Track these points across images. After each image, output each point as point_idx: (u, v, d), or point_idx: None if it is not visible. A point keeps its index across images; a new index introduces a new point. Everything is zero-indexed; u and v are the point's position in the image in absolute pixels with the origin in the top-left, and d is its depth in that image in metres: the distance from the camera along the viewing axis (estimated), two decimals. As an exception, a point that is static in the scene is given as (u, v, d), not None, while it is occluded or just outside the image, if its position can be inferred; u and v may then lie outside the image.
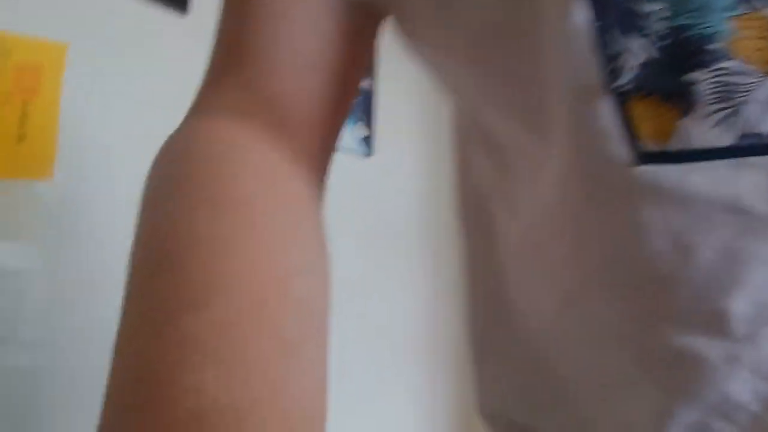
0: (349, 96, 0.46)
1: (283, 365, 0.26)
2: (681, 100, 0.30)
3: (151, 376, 0.27)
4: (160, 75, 1.68)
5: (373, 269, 2.25)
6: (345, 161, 2.20)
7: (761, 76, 0.29)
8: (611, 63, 0.31)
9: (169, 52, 1.70)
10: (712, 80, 0.29)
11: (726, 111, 0.29)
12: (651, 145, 0.31)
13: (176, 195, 0.35)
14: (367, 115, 2.20)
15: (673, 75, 0.30)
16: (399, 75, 2.41)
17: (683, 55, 0.30)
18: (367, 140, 2.20)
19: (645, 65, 0.31)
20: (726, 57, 0.29)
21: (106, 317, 1.53)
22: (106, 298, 1.56)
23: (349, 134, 2.13)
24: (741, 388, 0.33)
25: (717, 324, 0.33)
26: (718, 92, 0.29)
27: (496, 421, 0.52)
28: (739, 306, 0.32)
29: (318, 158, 0.45)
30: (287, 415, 0.24)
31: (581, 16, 0.31)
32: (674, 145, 0.30)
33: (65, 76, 1.53)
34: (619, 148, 0.32)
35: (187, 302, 0.28)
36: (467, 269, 0.53)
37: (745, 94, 0.29)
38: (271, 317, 0.28)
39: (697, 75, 0.30)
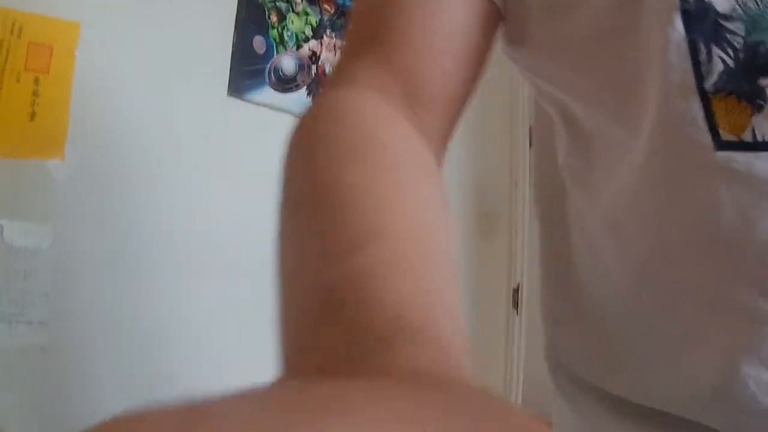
0: (473, 84, 0.51)
1: (443, 300, 0.30)
2: (753, 100, 0.38)
3: (338, 297, 0.29)
4: (172, 54, 1.67)
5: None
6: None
7: None
8: (700, 68, 0.39)
9: (181, 32, 1.69)
10: None
11: None
12: (728, 135, 0.39)
13: (334, 154, 0.39)
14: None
15: (747, 80, 0.38)
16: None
17: (756, 64, 0.38)
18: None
19: (726, 71, 0.39)
20: None
21: (114, 296, 1.53)
22: (114, 278, 1.57)
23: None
24: None
25: None
26: None
27: (565, 379, 0.59)
28: None
29: (441, 135, 0.50)
30: (455, 347, 0.27)
31: (678, 30, 0.40)
32: (746, 136, 0.38)
33: (77, 55, 1.53)
34: (703, 136, 0.40)
35: (357, 241, 0.31)
36: (541, 248, 0.61)
37: None
38: (430, 259, 0.32)
39: (767, 81, 0.38)
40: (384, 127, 0.42)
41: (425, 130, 0.46)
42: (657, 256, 0.46)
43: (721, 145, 0.39)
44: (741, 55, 0.38)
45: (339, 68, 0.52)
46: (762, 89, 0.38)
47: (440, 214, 0.38)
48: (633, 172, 0.45)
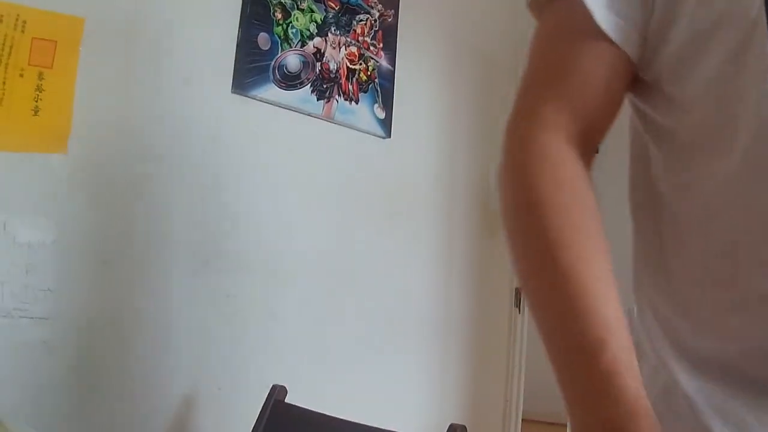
0: (609, 128, 0.71)
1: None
2: None
3: (608, 384, 0.55)
4: (176, 50, 1.67)
5: (387, 248, 2.25)
6: (366, 142, 2.19)
7: None
8: None
9: (185, 28, 1.69)
10: None
11: None
12: None
13: (569, 235, 0.62)
14: (386, 101, 2.18)
15: None
16: (417, 65, 2.39)
17: None
18: (385, 123, 2.19)
19: None
20: None
21: (116, 292, 1.53)
22: (117, 273, 1.57)
23: (371, 117, 2.12)
24: None
25: None
26: None
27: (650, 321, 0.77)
28: None
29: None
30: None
31: None
32: None
33: (81, 50, 1.52)
34: None
35: (602, 336, 0.57)
36: (635, 238, 0.78)
37: None
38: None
39: None
40: (590, 200, 0.64)
41: (589, 164, 0.68)
42: (739, 236, 0.64)
43: None
44: None
45: (530, 109, 0.69)
46: None
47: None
48: (727, 176, 0.64)
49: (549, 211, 0.63)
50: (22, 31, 1.43)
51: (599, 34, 0.66)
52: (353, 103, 2.10)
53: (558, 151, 0.66)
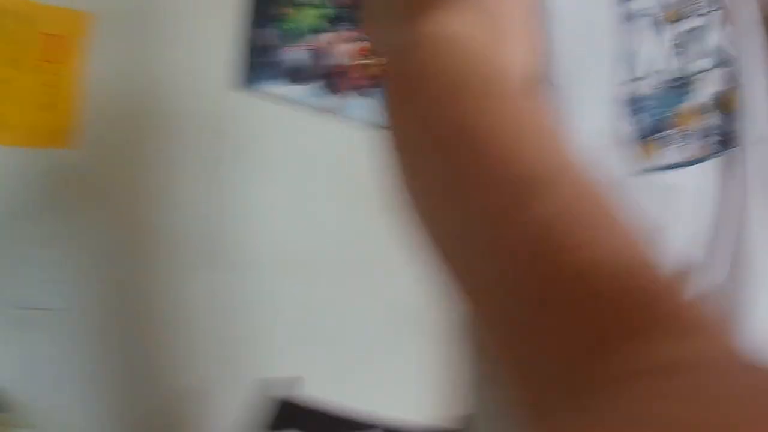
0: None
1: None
2: (658, 144, 0.76)
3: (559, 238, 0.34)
4: (184, 45, 1.67)
5: (395, 242, 2.23)
6: (377, 137, 2.17)
7: (680, 139, 0.76)
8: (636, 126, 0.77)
9: (193, 23, 1.69)
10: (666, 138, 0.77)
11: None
12: (644, 163, 0.76)
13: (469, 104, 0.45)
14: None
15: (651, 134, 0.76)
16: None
17: (656, 126, 0.76)
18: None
19: (642, 129, 0.75)
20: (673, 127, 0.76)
21: (124, 287, 1.53)
22: (124, 269, 1.57)
23: (370, 107, 2.11)
24: None
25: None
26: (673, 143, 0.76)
27: None
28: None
29: None
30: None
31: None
32: (649, 164, 0.76)
33: (90, 46, 1.53)
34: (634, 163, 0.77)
35: (535, 187, 0.36)
36: None
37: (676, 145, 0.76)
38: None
39: (662, 134, 0.76)
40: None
41: None
42: None
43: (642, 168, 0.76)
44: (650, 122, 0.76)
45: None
46: (660, 138, 0.76)
47: None
48: None
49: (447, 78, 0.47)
50: (32, 27, 1.44)
51: None
52: (363, 97, 2.10)
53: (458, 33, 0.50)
